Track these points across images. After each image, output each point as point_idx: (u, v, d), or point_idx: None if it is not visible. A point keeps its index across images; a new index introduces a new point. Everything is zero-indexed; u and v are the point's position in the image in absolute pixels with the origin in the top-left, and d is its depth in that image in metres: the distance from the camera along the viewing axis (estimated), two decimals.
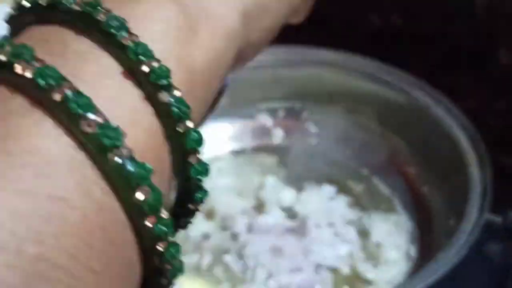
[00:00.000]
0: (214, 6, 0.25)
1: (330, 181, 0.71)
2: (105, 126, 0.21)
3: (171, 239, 0.22)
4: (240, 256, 0.63)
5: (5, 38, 0.23)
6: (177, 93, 0.23)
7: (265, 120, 0.77)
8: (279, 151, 0.75)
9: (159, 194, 0.22)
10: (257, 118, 0.77)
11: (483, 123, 0.67)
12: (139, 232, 0.22)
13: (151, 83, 0.22)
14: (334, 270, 0.62)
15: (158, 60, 0.23)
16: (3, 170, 0.19)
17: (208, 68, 0.25)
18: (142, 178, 0.21)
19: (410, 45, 0.78)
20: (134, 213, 0.21)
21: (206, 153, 0.25)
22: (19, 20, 0.24)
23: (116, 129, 0.21)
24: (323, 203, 0.68)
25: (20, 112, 0.21)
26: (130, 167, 0.21)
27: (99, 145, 0.21)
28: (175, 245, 0.23)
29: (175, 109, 0.23)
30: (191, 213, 0.26)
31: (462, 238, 0.54)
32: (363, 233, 0.65)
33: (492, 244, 0.62)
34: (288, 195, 0.69)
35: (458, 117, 0.66)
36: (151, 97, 0.23)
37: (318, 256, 0.62)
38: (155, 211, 0.22)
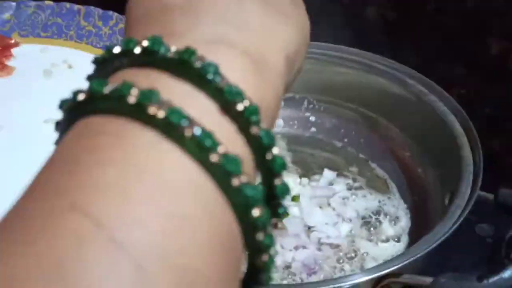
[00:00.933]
0: (269, 54, 0.30)
1: (330, 166, 0.74)
2: (227, 156, 0.24)
3: (272, 250, 0.26)
4: None
5: (101, 80, 0.26)
6: (264, 126, 0.27)
7: None
8: (280, 139, 0.79)
9: (268, 212, 0.26)
10: None
11: (473, 110, 0.71)
12: (248, 243, 0.26)
13: (244, 119, 0.26)
14: (336, 248, 0.65)
15: (249, 100, 0.26)
16: (146, 197, 0.23)
17: (275, 104, 0.30)
18: (257, 199, 0.25)
19: (404, 37, 0.82)
20: (249, 228, 0.25)
21: None
22: (108, 64, 0.27)
23: (236, 159, 0.25)
24: (324, 186, 0.71)
25: (151, 145, 0.24)
26: (248, 190, 0.25)
27: (224, 172, 0.24)
28: (272, 256, 0.27)
29: (265, 140, 0.27)
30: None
31: (456, 213, 0.58)
32: (362, 213, 0.69)
33: (484, 223, 0.66)
34: (290, 179, 0.72)
35: (450, 104, 0.69)
36: (243, 130, 0.26)
37: (321, 235, 0.66)
38: (265, 227, 0.25)
